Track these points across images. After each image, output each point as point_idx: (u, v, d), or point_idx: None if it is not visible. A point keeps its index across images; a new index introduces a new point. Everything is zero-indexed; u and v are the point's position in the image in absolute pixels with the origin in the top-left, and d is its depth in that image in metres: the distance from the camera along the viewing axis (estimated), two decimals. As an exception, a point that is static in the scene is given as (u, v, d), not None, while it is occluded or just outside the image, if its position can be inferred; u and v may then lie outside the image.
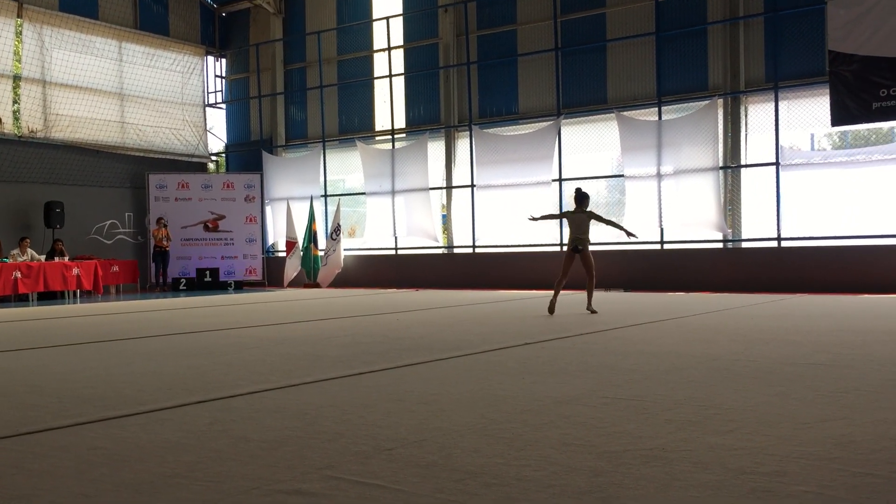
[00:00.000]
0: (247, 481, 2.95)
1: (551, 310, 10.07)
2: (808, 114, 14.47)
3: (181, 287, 18.89)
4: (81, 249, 18.05)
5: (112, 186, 19.40)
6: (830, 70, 13.60)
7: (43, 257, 16.39)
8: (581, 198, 10.28)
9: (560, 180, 16.70)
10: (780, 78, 14.56)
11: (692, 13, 15.60)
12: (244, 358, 6.47)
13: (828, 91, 13.65)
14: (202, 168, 21.58)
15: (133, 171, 19.75)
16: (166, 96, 20.53)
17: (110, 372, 5.87)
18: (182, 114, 20.93)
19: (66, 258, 16.60)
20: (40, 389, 5.16)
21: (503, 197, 17.22)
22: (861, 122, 13.66)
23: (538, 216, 10.77)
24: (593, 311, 10.07)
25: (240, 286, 19.46)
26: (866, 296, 12.67)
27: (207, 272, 19.17)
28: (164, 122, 20.47)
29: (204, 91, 21.63)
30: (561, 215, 10.67)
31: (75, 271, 16.21)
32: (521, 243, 17.24)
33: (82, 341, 8.07)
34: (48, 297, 16.20)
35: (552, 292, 10.37)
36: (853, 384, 4.69)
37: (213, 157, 22.56)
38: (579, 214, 10.23)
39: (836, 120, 13.60)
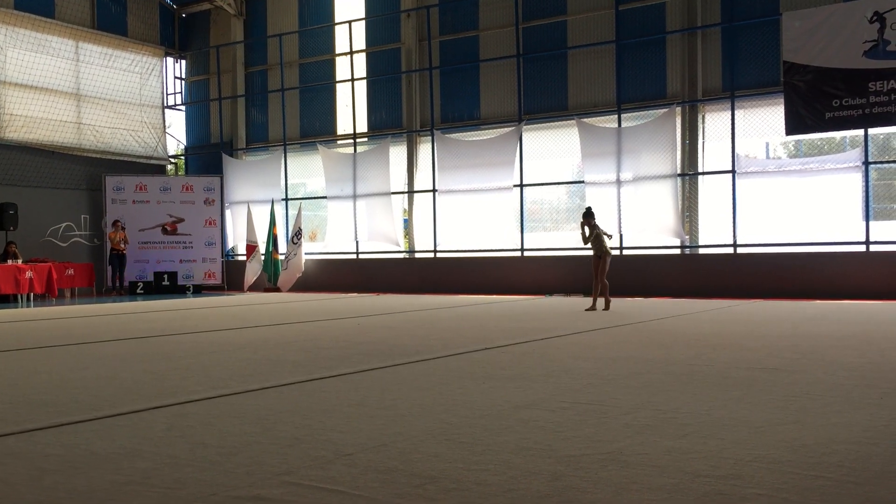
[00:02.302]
0: (204, 487, 2.92)
1: (593, 308, 11.59)
2: (763, 123, 14.75)
3: (138, 291, 18.61)
4: (35, 252, 17.69)
5: (67, 188, 19.06)
6: (785, 80, 13.88)
7: (-5, 260, 16.04)
8: (592, 214, 11.88)
9: (521, 186, 16.81)
10: (737, 87, 14.82)
11: (651, 22, 15.82)
12: (202, 363, 6.40)
13: (782, 101, 13.93)
14: (161, 170, 21.30)
15: (89, 173, 19.43)
16: (124, 97, 20.24)
17: (64, 377, 5.77)
18: (140, 115, 20.65)
19: (20, 261, 16.26)
20: (-8, 395, 5.05)
21: (465, 202, 17.27)
22: (815, 132, 13.96)
23: (587, 241, 11.85)
24: (605, 308, 11.50)
25: (199, 290, 19.23)
26: (818, 301, 12.94)
27: (165, 276, 18.92)
28: (121, 124, 20.18)
29: (163, 92, 21.37)
30: (588, 236, 11.80)
31: (28, 274, 15.89)
32: (482, 248, 17.31)
33: (35, 346, 7.92)
34: (0, 300, 15.85)
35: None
36: (805, 389, 4.79)
37: (172, 160, 22.28)
38: (594, 229, 11.74)
39: (791, 129, 13.89)
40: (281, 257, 19.16)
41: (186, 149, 22.28)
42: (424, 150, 18.42)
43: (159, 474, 3.10)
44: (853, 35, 13.27)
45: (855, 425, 3.80)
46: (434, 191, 17.77)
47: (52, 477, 3.10)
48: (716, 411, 4.15)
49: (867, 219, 13.63)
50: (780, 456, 3.24)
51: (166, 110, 21.54)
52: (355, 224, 18.66)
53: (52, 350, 7.58)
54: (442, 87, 18.17)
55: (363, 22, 19.26)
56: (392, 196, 18.22)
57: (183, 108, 22.21)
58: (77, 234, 19.26)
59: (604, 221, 15.59)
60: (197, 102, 21.96)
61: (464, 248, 17.57)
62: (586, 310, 11.51)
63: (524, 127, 16.81)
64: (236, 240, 20.62)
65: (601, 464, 3.15)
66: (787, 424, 3.82)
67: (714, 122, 15.39)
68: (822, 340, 7.36)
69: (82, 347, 7.76)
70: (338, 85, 19.75)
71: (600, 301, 11.71)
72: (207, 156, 21.41)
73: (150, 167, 20.82)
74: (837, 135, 14.50)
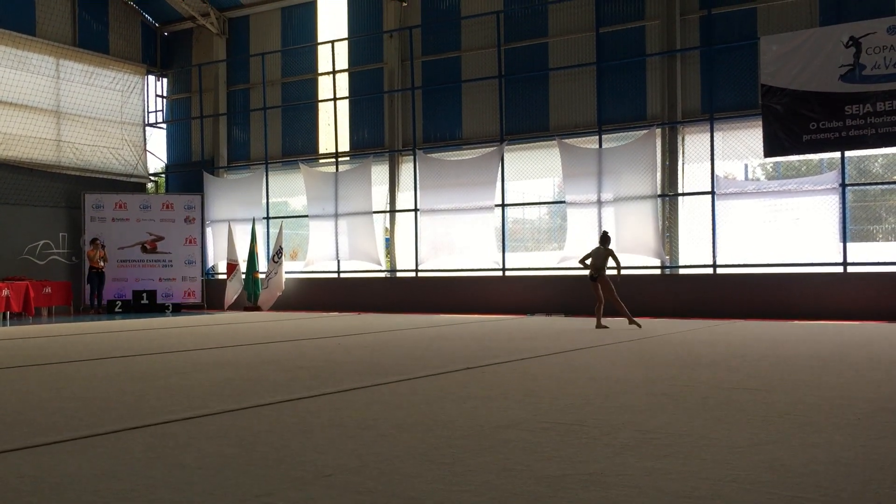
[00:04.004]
0: (182, 510, 2.89)
1: (598, 325, 12.02)
2: (742, 144, 14.92)
3: (117, 309, 18.45)
4: (12, 270, 17.52)
5: (46, 206, 18.91)
6: (763, 103, 14.05)
7: (-29, 278, 15.85)
8: (606, 238, 12.32)
9: (503, 205, 16.86)
10: (716, 109, 14.99)
11: (631, 45, 16.00)
12: (181, 383, 6.34)
13: (761, 123, 14.10)
14: (141, 188, 21.20)
15: (68, 191, 19.29)
16: (105, 115, 20.15)
17: (40, 397, 5.70)
18: (121, 133, 20.56)
19: (-4, 279, 16.09)
20: (-34, 415, 4.98)
21: (446, 221, 17.30)
22: (792, 154, 14.13)
23: (581, 262, 12.44)
24: (632, 323, 11.93)
25: (178, 309, 19.09)
26: (797, 322, 13.04)
27: (144, 294, 18.77)
28: (102, 141, 20.07)
29: (144, 110, 21.30)
30: (588, 255, 12.26)
31: (5, 293, 15.71)
32: (464, 268, 17.32)
33: (10, 365, 7.82)
34: (-24, 319, 15.66)
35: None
36: (784, 409, 4.82)
37: (153, 178, 22.18)
38: (599, 250, 12.13)
39: (769, 151, 14.05)
40: (262, 276, 19.07)
41: (167, 167, 22.20)
42: (406, 169, 18.45)
43: (136, 496, 3.07)
44: (829, 59, 13.47)
45: (833, 445, 3.82)
46: (416, 210, 17.79)
47: (26, 499, 3.06)
48: (696, 431, 4.16)
49: (844, 240, 13.78)
50: (759, 476, 3.25)
51: (147, 128, 21.47)
52: (336, 243, 18.63)
53: (28, 370, 7.49)
54: (424, 107, 18.25)
55: (346, 42, 19.34)
56: (374, 215, 18.22)
57: (164, 126, 22.14)
58: (55, 252, 19.08)
59: (585, 242, 15.74)
60: (178, 120, 21.91)
61: (445, 268, 17.58)
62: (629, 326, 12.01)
63: (506, 147, 16.90)
64: (217, 258, 20.51)
65: (582, 485, 3.15)
66: (767, 445, 3.84)
67: (693, 144, 15.54)
68: (801, 361, 7.41)
69: (59, 367, 7.67)
70: (320, 104, 19.78)
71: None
72: (188, 174, 21.32)
73: (130, 185, 20.70)
74: (815, 157, 14.68)
